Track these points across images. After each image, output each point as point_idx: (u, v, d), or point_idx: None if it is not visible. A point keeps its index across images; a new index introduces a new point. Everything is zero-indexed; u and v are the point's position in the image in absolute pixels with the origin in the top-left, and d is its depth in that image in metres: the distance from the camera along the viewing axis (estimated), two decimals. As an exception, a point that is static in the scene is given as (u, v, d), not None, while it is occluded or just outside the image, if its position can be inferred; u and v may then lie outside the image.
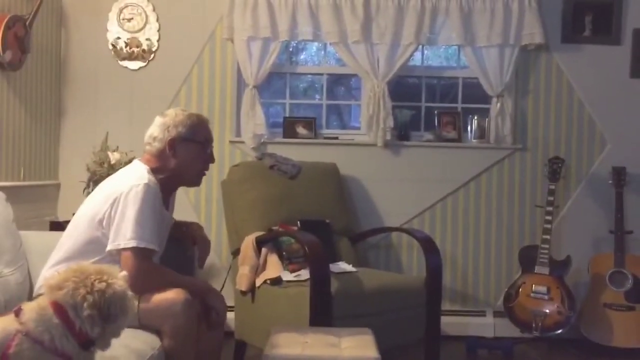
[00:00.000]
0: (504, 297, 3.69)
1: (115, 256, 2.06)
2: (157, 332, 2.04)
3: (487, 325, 3.83)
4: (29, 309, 1.48)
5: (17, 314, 1.48)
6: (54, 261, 2.16)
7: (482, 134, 3.92)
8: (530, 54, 3.87)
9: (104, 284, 1.48)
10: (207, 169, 2.33)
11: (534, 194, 3.89)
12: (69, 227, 2.22)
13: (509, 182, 3.92)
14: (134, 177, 2.13)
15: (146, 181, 2.11)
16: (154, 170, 2.19)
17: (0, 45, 3.02)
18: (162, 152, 2.20)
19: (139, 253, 2.03)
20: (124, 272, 1.59)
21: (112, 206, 2.07)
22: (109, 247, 2.06)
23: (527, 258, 3.68)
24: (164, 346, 2.01)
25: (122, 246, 2.03)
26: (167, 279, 2.09)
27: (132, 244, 2.02)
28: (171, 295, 2.02)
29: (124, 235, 2.03)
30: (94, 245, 2.10)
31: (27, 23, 3.26)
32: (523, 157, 3.91)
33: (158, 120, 2.25)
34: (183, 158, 2.21)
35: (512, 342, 3.56)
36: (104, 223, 2.09)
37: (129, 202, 2.05)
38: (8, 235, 2.30)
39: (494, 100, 3.84)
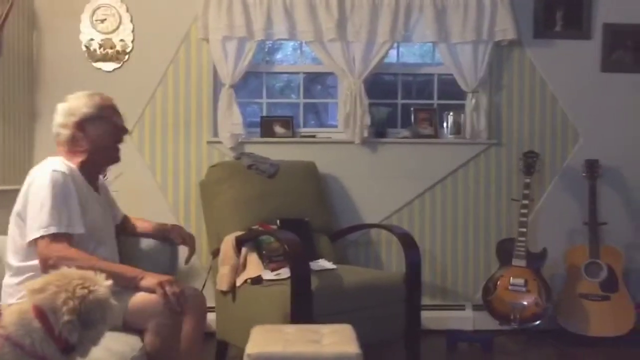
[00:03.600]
0: (483, 290, 3.74)
1: None
2: (140, 332, 2.04)
3: (466, 319, 3.88)
4: (10, 312, 1.47)
5: (-2, 318, 1.47)
6: (14, 272, 2.13)
7: (458, 129, 3.96)
8: (503, 49, 3.92)
9: (85, 290, 1.47)
10: (121, 140, 2.32)
11: (510, 188, 3.95)
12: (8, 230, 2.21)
13: (485, 177, 3.97)
14: (41, 169, 2.13)
15: (54, 168, 2.10)
16: (70, 158, 2.19)
17: (-30, 48, 2.99)
18: (73, 137, 2.20)
19: (49, 239, 2.02)
20: (109, 281, 1.57)
21: (23, 201, 2.10)
22: (27, 240, 2.06)
23: (505, 251, 3.73)
24: (148, 344, 2.02)
25: (32, 237, 2.04)
26: (85, 265, 1.95)
27: (40, 232, 2.03)
28: (156, 296, 2.03)
29: (30, 226, 2.05)
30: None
31: (-2, 25, 3.21)
32: (498, 151, 3.96)
33: (60, 108, 2.25)
34: (95, 136, 2.21)
35: (491, 335, 3.61)
36: (22, 218, 2.11)
37: (34, 193, 2.07)
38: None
39: (469, 96, 3.88)
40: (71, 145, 2.20)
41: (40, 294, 1.46)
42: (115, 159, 2.33)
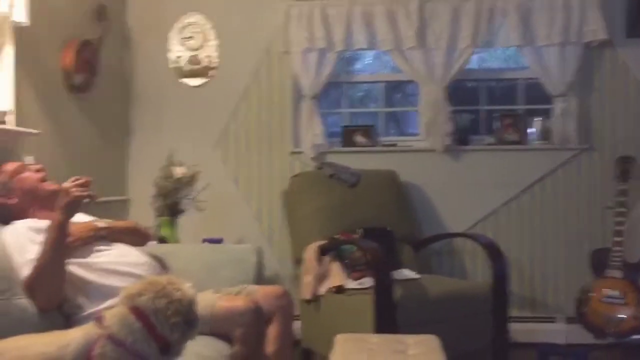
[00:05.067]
0: (576, 302, 3.57)
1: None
2: (227, 337, 2.11)
3: (558, 332, 3.71)
4: (111, 314, 1.56)
5: (99, 320, 1.57)
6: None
7: (546, 135, 3.82)
8: (593, 50, 3.75)
9: (180, 292, 1.55)
10: (45, 178, 2.39)
11: (604, 195, 3.75)
12: None
13: (576, 184, 3.79)
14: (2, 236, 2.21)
15: (6, 229, 2.19)
16: (18, 217, 2.28)
17: (72, 69, 3.20)
18: (19, 204, 2.31)
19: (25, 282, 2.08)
20: (188, 283, 1.64)
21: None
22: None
23: (599, 262, 3.55)
24: (235, 353, 2.09)
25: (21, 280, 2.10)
26: (44, 263, 2.06)
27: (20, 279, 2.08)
28: (241, 303, 2.12)
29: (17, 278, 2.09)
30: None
31: (96, 47, 3.42)
32: (590, 157, 3.78)
33: None
34: (24, 191, 2.32)
35: (585, 349, 3.43)
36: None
37: (8, 252, 2.13)
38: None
39: (557, 100, 3.74)
40: (22, 210, 2.31)
41: (139, 297, 1.54)
42: (54, 192, 2.36)
